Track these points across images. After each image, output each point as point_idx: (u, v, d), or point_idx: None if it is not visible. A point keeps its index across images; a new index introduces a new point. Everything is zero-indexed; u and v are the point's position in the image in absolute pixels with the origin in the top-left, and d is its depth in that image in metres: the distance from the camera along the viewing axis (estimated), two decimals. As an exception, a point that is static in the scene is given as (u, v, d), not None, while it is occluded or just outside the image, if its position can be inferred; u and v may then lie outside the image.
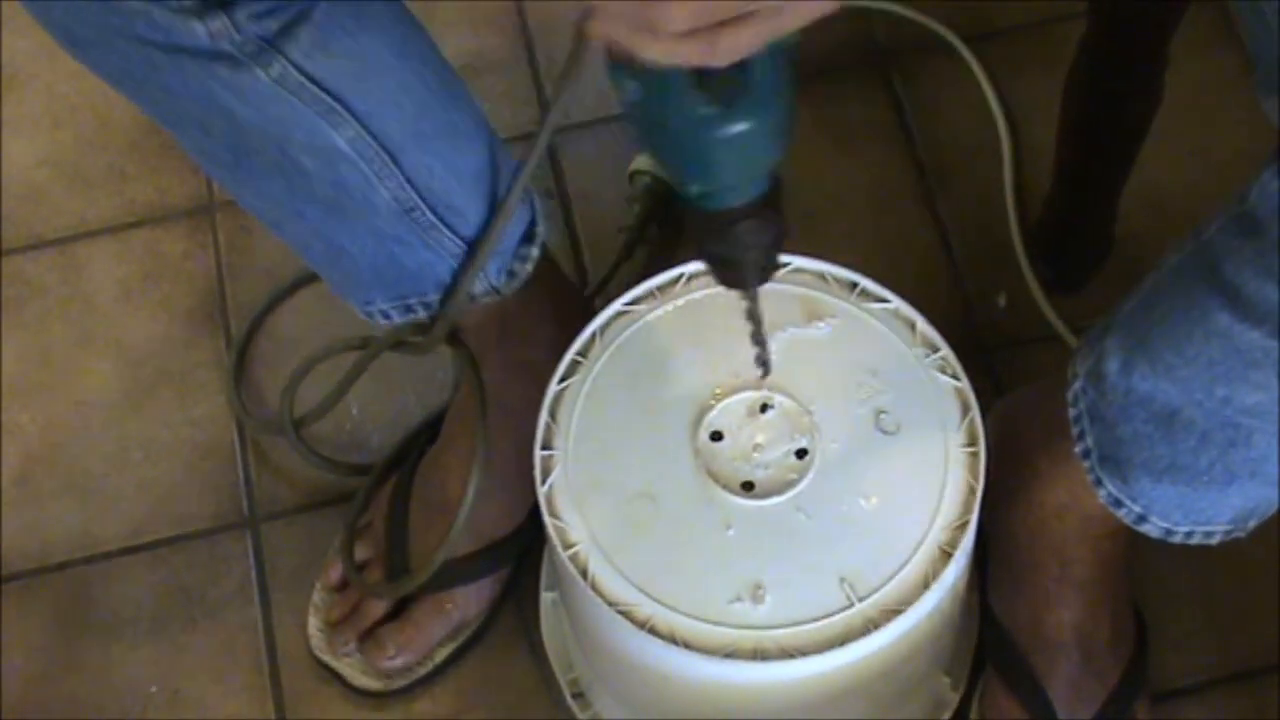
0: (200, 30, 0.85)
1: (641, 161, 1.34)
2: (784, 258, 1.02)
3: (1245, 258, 0.82)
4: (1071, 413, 1.00)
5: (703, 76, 0.73)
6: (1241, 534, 1.01)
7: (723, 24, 0.67)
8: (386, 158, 0.95)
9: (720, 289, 1.00)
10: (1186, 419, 0.92)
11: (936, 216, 1.36)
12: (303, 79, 0.89)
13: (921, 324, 1.00)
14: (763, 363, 0.95)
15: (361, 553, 1.22)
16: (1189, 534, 1.01)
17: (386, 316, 1.06)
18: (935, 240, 1.35)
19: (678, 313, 1.02)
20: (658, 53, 0.69)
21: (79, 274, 1.38)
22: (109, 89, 0.94)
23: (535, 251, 1.07)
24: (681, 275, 1.03)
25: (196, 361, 1.34)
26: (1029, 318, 1.30)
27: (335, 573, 1.22)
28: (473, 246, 1.01)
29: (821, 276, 1.02)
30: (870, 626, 0.90)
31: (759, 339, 0.93)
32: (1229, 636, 1.19)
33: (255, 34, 0.86)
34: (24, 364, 1.35)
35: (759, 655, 0.89)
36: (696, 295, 1.02)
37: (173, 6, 0.84)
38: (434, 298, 1.05)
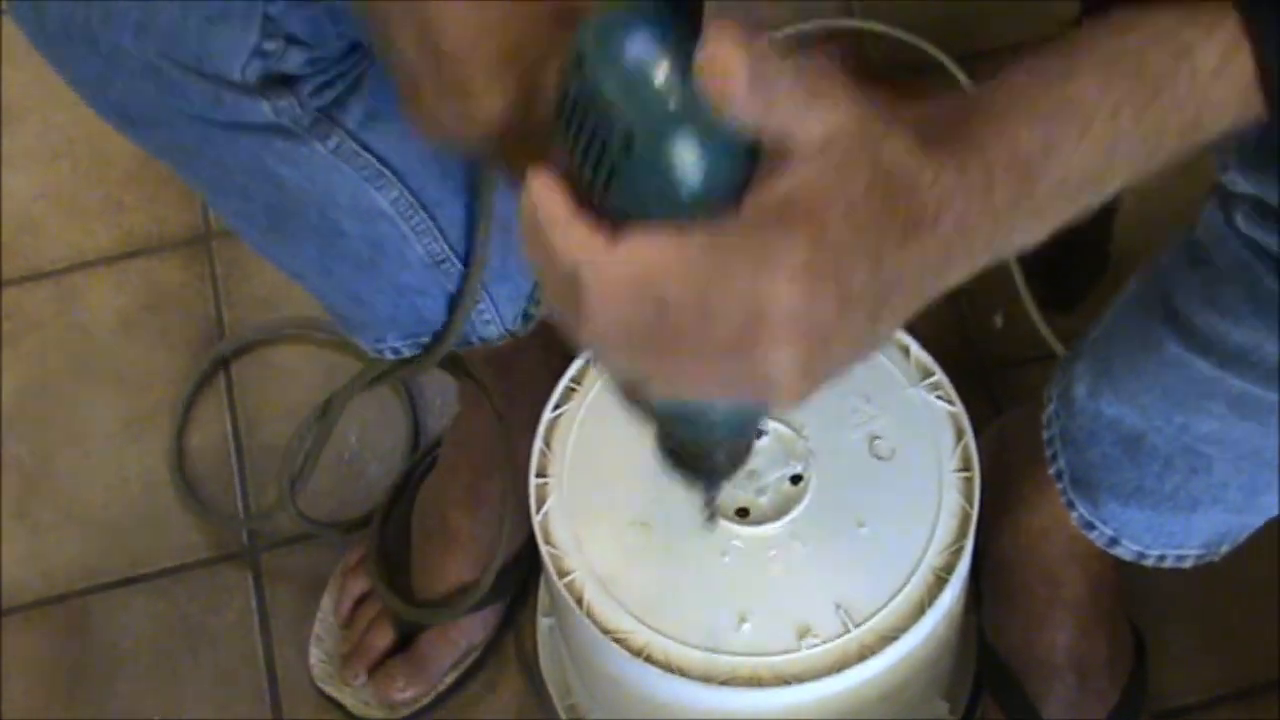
0: (264, 107, 0.83)
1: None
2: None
3: (1193, 288, 0.82)
4: (1045, 435, 1.01)
5: (666, 447, 0.69)
6: (1215, 558, 1.01)
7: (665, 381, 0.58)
8: (425, 214, 0.94)
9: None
10: (1150, 445, 0.92)
11: (932, 237, 1.35)
12: (357, 147, 0.88)
13: (915, 349, 0.99)
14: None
15: (360, 585, 1.22)
16: (1161, 557, 1.01)
17: (396, 352, 1.06)
18: (930, 261, 1.34)
19: (673, 338, 1.01)
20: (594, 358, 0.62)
21: (77, 305, 1.39)
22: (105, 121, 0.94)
23: None
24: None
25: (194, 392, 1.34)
26: (1025, 337, 1.30)
27: (344, 608, 1.22)
28: (461, 291, 1.00)
29: (814, 300, 1.02)
30: (866, 652, 0.90)
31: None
32: (1231, 654, 1.19)
33: (314, 107, 0.85)
34: (22, 395, 1.35)
35: (755, 682, 0.89)
36: (692, 321, 1.02)
37: (240, 87, 0.82)
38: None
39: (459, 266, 0.98)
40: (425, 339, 1.05)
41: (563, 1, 0.61)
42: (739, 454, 0.69)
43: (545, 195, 0.57)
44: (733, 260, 0.54)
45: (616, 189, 0.56)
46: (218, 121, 0.85)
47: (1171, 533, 0.99)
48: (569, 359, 1.03)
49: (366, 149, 0.89)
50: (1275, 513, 0.96)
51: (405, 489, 1.24)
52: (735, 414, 0.65)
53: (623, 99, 0.56)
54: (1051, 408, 1.00)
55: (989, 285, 1.32)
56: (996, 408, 1.27)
